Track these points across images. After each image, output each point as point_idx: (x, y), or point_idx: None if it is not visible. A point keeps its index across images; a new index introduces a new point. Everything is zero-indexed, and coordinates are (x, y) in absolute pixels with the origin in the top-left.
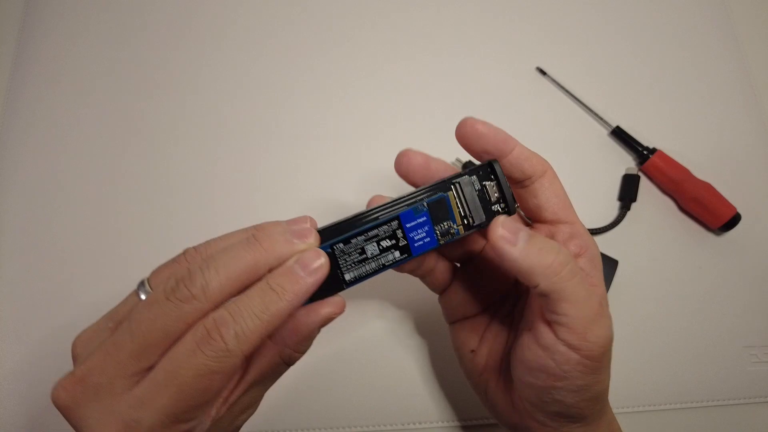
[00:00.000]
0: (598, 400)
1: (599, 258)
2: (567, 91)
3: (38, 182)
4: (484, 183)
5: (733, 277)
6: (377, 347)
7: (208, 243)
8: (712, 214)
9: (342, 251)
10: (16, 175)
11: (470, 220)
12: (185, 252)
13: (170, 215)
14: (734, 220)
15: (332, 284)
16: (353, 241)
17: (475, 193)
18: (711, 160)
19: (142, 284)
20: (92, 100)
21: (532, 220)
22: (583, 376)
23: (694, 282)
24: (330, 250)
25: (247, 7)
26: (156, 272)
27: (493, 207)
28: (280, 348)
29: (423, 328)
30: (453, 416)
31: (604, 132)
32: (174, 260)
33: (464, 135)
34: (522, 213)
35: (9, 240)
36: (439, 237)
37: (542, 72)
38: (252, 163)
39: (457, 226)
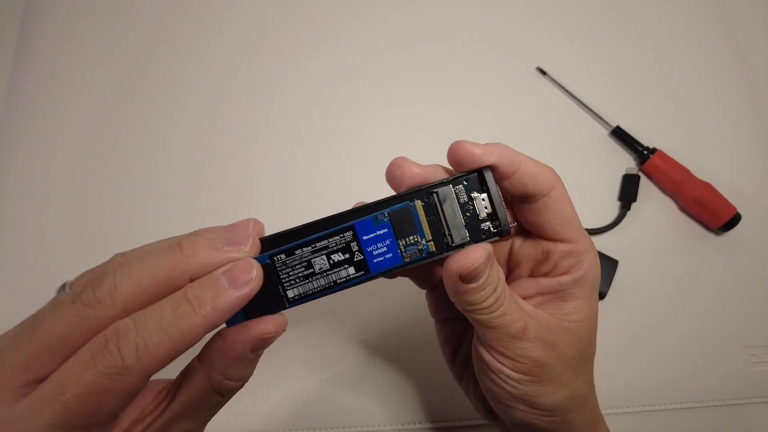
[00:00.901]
0: (555, 413)
1: (593, 279)
2: (567, 91)
3: (36, 180)
4: (472, 195)
5: (733, 277)
6: (374, 348)
7: (138, 247)
8: (712, 214)
9: (284, 263)
10: (15, 174)
11: (449, 238)
12: (114, 256)
13: (167, 215)
14: (734, 220)
15: (273, 301)
16: (297, 252)
17: (458, 207)
18: (711, 160)
19: (62, 287)
20: (92, 100)
21: (531, 232)
22: (520, 386)
23: (694, 282)
24: (269, 261)
25: (240, 10)
26: (80, 275)
27: (482, 225)
28: (208, 371)
29: (418, 328)
30: (450, 416)
31: (604, 132)
32: (101, 264)
33: (459, 163)
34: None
35: (6, 236)
36: (404, 254)
37: (542, 72)
38: (247, 164)
39: (427, 242)
